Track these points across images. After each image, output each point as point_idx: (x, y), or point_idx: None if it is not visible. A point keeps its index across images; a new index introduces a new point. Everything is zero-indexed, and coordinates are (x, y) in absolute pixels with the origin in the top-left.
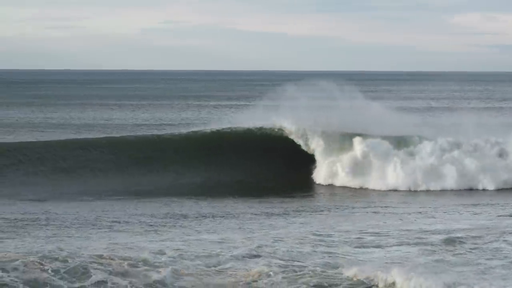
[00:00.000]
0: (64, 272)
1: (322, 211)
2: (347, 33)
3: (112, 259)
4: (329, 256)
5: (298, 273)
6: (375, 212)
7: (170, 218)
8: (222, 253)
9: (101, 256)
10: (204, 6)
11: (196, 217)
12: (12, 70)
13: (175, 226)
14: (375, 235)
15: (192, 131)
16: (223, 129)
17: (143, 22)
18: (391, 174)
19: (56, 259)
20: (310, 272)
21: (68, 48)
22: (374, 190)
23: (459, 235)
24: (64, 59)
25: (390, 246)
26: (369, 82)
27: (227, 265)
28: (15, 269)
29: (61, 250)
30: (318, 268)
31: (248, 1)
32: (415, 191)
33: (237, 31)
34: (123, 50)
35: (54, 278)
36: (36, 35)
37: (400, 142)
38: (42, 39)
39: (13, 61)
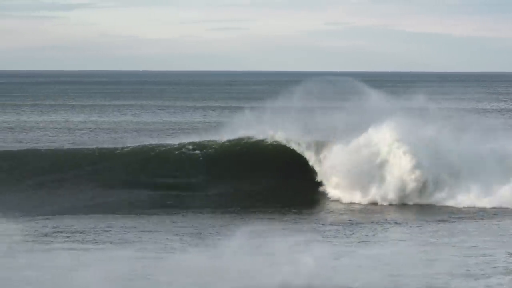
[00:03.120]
0: None
1: None
2: None
3: None
4: None
5: None
6: None
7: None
8: None
9: None
10: (366, 7)
11: None
12: (176, 72)
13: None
14: None
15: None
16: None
17: (306, 24)
18: None
19: None
20: None
21: (230, 50)
22: None
23: None
24: (227, 61)
25: None
26: None
27: None
28: None
29: None
30: None
31: (412, 2)
32: None
33: (402, 32)
34: (286, 52)
35: None
36: (198, 37)
37: None
38: (204, 41)
39: (176, 63)
